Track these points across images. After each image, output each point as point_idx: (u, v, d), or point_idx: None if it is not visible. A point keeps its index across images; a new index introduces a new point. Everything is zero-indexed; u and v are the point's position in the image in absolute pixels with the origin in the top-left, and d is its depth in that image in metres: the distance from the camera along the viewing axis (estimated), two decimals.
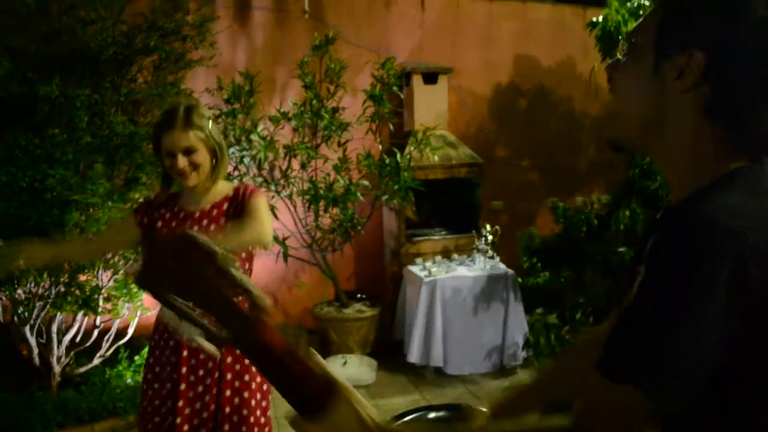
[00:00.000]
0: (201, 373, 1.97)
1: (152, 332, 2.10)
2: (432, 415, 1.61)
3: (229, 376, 1.99)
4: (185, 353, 1.96)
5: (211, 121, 2.01)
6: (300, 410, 0.81)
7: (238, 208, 2.01)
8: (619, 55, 0.92)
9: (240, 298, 0.78)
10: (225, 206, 2.03)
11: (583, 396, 0.78)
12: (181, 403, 1.94)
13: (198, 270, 0.76)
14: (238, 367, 2.01)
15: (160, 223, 2.04)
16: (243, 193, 2.04)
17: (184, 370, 1.95)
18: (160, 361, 2.02)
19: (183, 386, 1.95)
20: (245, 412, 1.99)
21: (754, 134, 0.81)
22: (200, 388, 1.97)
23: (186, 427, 1.93)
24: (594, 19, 4.52)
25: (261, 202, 2.00)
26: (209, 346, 0.84)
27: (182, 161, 1.94)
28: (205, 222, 2.02)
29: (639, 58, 0.88)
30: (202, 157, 1.97)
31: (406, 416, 1.66)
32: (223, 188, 2.08)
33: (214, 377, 1.97)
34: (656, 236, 0.77)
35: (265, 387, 2.08)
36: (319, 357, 0.84)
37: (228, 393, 1.98)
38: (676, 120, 0.84)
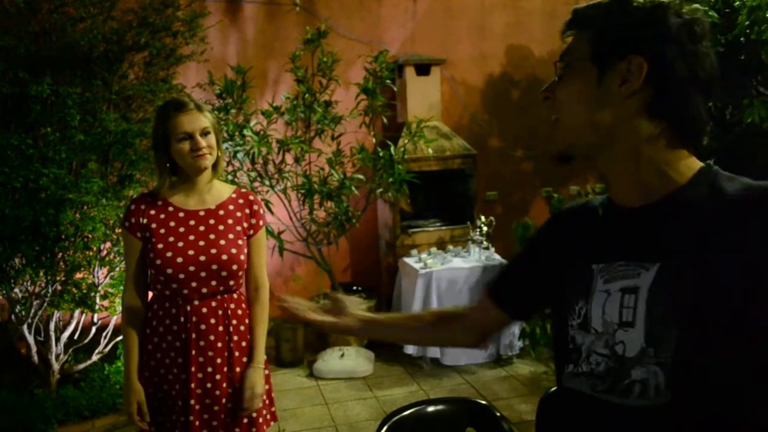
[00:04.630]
0: (210, 354, 1.94)
1: (143, 328, 1.98)
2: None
3: (237, 353, 1.98)
4: (192, 350, 1.93)
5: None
6: None
7: (249, 221, 2.02)
8: (555, 78, 1.00)
9: None
10: (231, 208, 2.00)
11: None
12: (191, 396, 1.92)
13: None
14: (244, 343, 2.01)
15: (155, 225, 1.94)
16: (253, 211, 2.04)
17: (193, 369, 1.93)
18: (158, 351, 1.97)
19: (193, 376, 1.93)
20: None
21: (689, 124, 0.92)
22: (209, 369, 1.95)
23: (198, 423, 1.92)
24: None
25: (264, 237, 2.08)
26: None
27: (202, 140, 1.89)
28: (212, 222, 1.96)
29: (579, 74, 0.95)
30: (214, 141, 1.94)
31: (406, 410, 1.69)
32: (223, 188, 2.05)
33: (220, 365, 1.96)
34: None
35: (266, 371, 2.07)
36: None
37: (238, 370, 1.98)
38: (624, 123, 0.93)
